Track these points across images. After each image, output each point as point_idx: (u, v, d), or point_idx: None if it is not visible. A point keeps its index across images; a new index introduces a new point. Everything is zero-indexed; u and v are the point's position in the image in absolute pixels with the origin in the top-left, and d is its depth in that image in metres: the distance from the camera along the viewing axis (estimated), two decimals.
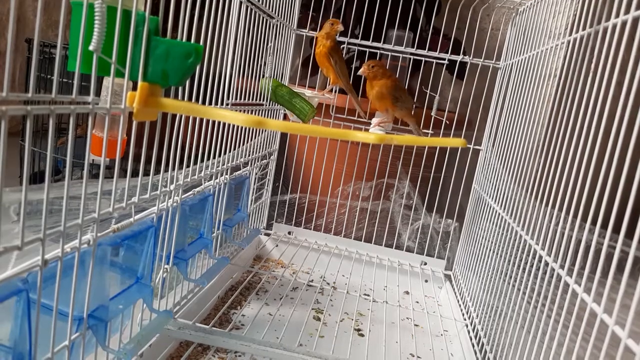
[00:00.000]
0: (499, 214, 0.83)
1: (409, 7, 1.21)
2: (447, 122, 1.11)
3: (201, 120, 0.67)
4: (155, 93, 0.41)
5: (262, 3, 0.87)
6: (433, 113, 1.12)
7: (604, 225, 0.43)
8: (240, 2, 0.76)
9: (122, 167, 1.01)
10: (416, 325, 0.92)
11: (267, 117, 1.01)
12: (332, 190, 1.23)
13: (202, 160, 0.69)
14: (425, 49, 1.12)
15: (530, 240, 0.66)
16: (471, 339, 0.83)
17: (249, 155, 0.95)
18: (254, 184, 1.05)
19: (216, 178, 0.77)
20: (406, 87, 1.15)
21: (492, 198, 0.90)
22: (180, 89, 0.57)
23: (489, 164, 1.01)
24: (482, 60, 1.10)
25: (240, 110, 0.82)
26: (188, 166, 0.63)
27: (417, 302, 1.04)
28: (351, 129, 1.03)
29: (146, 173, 0.51)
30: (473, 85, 1.13)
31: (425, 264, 1.17)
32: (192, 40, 0.56)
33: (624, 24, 0.47)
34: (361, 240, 1.20)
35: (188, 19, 0.53)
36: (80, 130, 1.13)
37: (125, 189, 0.48)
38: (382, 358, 0.76)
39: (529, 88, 0.80)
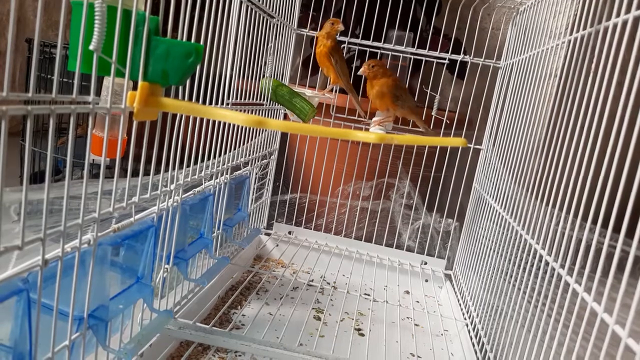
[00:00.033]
0: (500, 213, 0.83)
1: (410, 7, 1.21)
2: (448, 121, 1.11)
3: (201, 120, 0.67)
4: (156, 93, 0.41)
5: (263, 3, 0.87)
6: (434, 113, 1.12)
7: (605, 225, 0.43)
8: (241, 2, 0.76)
9: (122, 167, 1.01)
10: (416, 324, 0.92)
11: (268, 116, 1.01)
12: (333, 190, 1.23)
13: (202, 160, 0.69)
14: (425, 49, 1.12)
15: (530, 239, 0.65)
16: (471, 339, 0.83)
17: (249, 155, 0.95)
18: (254, 184, 1.05)
19: (216, 178, 0.77)
20: (407, 86, 1.15)
21: (493, 197, 0.90)
22: (180, 88, 0.57)
23: (489, 164, 1.01)
24: (482, 59, 1.10)
25: (240, 110, 0.82)
26: (188, 166, 0.63)
27: (418, 301, 1.04)
28: (351, 129, 1.03)
29: (146, 173, 0.51)
30: (473, 84, 1.13)
31: (426, 263, 1.17)
32: (193, 40, 0.56)
33: (624, 23, 0.47)
34: (361, 240, 1.20)
35: (188, 18, 0.53)
36: (80, 130, 1.13)
37: (126, 188, 0.48)
38: (382, 358, 0.76)
39: (530, 88, 0.80)
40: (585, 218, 0.48)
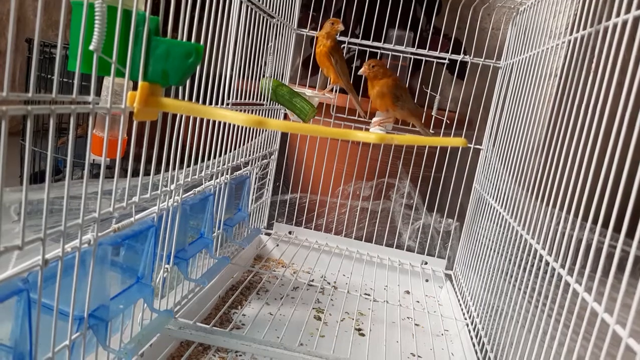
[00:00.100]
0: (500, 213, 0.83)
1: (410, 6, 1.21)
2: (448, 121, 1.11)
3: (202, 120, 0.67)
4: (156, 93, 0.41)
5: (263, 3, 0.87)
6: (434, 113, 1.12)
7: (605, 225, 0.43)
8: (241, 2, 0.76)
9: (122, 167, 1.01)
10: (417, 324, 0.92)
11: (268, 116, 1.01)
12: (333, 190, 1.23)
13: (202, 160, 0.69)
14: (425, 49, 1.12)
15: (530, 239, 0.65)
16: (472, 339, 0.83)
17: (249, 155, 0.95)
18: (255, 184, 1.05)
19: (217, 178, 0.77)
20: (407, 86, 1.15)
21: (493, 197, 0.90)
22: (180, 88, 0.57)
23: (489, 164, 1.01)
24: (482, 59, 1.10)
25: (240, 110, 0.82)
26: (188, 166, 0.63)
27: (418, 301, 1.04)
28: (352, 129, 1.03)
29: (147, 173, 0.51)
30: (473, 84, 1.13)
31: (426, 263, 1.17)
32: (193, 40, 0.56)
33: (624, 23, 0.47)
34: (362, 240, 1.20)
35: (188, 18, 0.53)
36: (80, 130, 1.13)
37: (126, 188, 0.48)
38: (382, 357, 0.76)
39: (530, 88, 0.80)
40: (585, 218, 0.48)
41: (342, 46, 1.12)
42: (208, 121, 0.70)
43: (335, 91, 1.13)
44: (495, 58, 1.09)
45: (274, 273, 1.03)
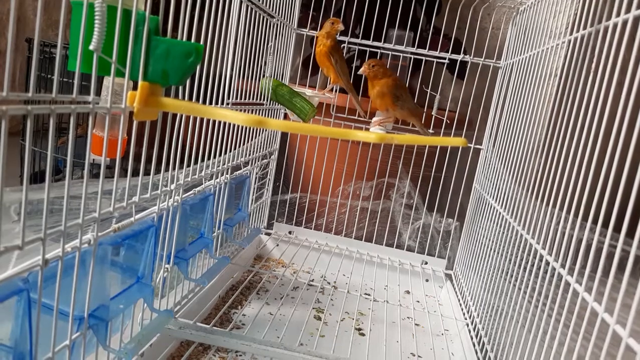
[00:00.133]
0: (500, 213, 0.83)
1: (410, 6, 1.21)
2: (448, 121, 1.11)
3: (202, 119, 0.67)
4: (156, 92, 0.41)
5: (263, 2, 0.87)
6: (434, 112, 1.12)
7: (605, 225, 0.43)
8: (241, 2, 0.76)
9: (122, 167, 1.01)
10: (417, 324, 0.92)
11: (268, 116, 1.01)
12: (333, 190, 1.23)
13: (202, 160, 0.69)
14: (425, 49, 1.12)
15: (531, 239, 0.65)
16: (472, 338, 0.83)
17: (249, 155, 0.95)
18: (255, 184, 1.05)
19: (217, 178, 0.77)
20: (407, 86, 1.15)
21: (493, 197, 0.90)
22: (180, 88, 0.57)
23: (489, 164, 1.01)
24: (482, 59, 1.10)
25: (240, 110, 0.82)
26: (188, 166, 0.63)
27: (418, 301, 1.04)
28: (352, 129, 1.03)
29: (147, 172, 0.51)
30: (473, 84, 1.13)
31: (426, 263, 1.17)
32: (193, 40, 0.56)
33: (624, 23, 0.47)
34: (362, 240, 1.20)
35: (188, 18, 0.53)
36: (80, 130, 1.13)
37: (126, 188, 0.48)
38: (382, 357, 0.76)
39: (530, 87, 0.80)
40: (585, 218, 0.48)
41: (342, 46, 1.12)
42: (208, 121, 0.70)
43: (335, 91, 1.14)
44: (495, 58, 1.09)
45: (274, 273, 1.03)
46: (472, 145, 1.11)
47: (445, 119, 1.10)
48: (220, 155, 0.76)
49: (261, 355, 0.69)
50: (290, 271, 1.09)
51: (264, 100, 0.96)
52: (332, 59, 1.02)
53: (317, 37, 1.04)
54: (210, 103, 0.68)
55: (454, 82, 1.23)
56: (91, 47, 0.38)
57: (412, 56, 1.17)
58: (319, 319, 0.87)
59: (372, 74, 1.00)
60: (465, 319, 0.91)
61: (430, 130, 1.14)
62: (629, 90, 0.41)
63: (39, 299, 0.37)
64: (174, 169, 0.59)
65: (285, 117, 1.13)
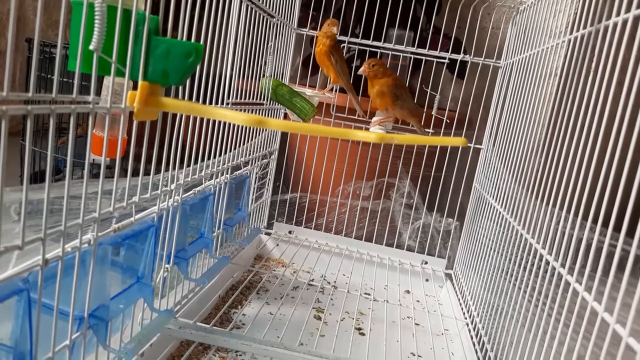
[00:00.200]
0: (500, 212, 0.83)
1: (410, 6, 1.21)
2: (448, 121, 1.11)
3: (202, 119, 0.67)
4: (156, 92, 0.41)
5: (263, 2, 0.87)
6: (434, 112, 1.12)
7: (605, 224, 0.43)
8: (241, 1, 0.76)
9: (122, 167, 1.01)
10: (417, 324, 0.92)
11: (268, 116, 1.01)
12: (333, 190, 1.23)
13: (202, 160, 0.69)
14: (425, 48, 1.12)
15: (531, 239, 0.65)
16: (472, 338, 0.83)
17: (249, 155, 0.95)
18: (255, 184, 1.05)
19: (217, 177, 0.77)
20: (407, 86, 1.15)
21: (493, 197, 0.90)
22: (180, 88, 0.57)
23: (489, 163, 1.01)
24: (482, 59, 1.10)
25: (240, 110, 0.82)
26: (188, 165, 0.63)
27: (418, 301, 1.04)
28: (352, 128, 1.03)
29: (147, 172, 0.51)
30: (473, 84, 1.13)
31: (426, 263, 1.17)
32: (193, 39, 0.56)
33: (624, 22, 0.47)
34: (362, 240, 1.20)
35: (188, 17, 0.53)
36: (80, 130, 1.13)
37: (126, 188, 0.48)
38: (382, 357, 0.76)
39: (530, 87, 0.80)
40: (585, 217, 0.48)
41: (342, 46, 1.12)
42: (208, 121, 0.70)
43: (335, 91, 1.13)
44: (495, 57, 1.09)
45: (274, 273, 1.03)
46: (472, 145, 1.11)
47: (445, 118, 1.10)
48: (220, 155, 0.76)
49: (261, 355, 0.69)
50: (290, 271, 1.09)
51: (264, 100, 0.96)
52: (332, 58, 1.02)
53: (317, 37, 1.04)
54: (210, 103, 0.68)
55: (454, 81, 1.23)
56: (91, 47, 0.38)
57: (412, 56, 1.17)
58: (319, 318, 0.87)
59: (372, 74, 1.00)
60: (465, 318, 0.91)
61: (430, 130, 1.14)
62: (629, 90, 0.41)
63: (39, 298, 0.37)
64: (174, 169, 0.59)
65: (285, 116, 1.13)
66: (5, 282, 0.35)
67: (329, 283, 1.05)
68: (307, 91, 1.02)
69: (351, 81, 1.09)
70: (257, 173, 1.05)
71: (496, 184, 0.89)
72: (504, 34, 1.10)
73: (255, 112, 0.92)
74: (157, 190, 0.55)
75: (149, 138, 0.51)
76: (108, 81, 0.46)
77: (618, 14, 0.49)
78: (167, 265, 0.62)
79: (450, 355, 0.82)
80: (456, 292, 1.04)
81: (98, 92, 0.44)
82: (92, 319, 0.45)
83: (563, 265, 0.52)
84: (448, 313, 0.95)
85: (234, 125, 0.80)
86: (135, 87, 0.41)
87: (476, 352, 0.78)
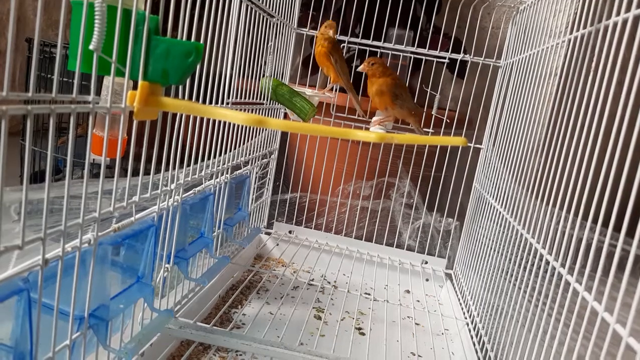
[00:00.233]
0: (500, 212, 0.83)
1: (409, 6, 1.21)
2: (448, 121, 1.11)
3: (202, 119, 0.67)
4: (156, 92, 0.41)
5: (263, 2, 0.87)
6: (434, 112, 1.12)
7: (605, 224, 0.43)
8: (241, 1, 0.75)
9: (122, 167, 1.01)
10: (417, 324, 0.92)
11: (268, 116, 1.01)
12: (333, 189, 1.23)
13: (202, 160, 0.69)
14: (425, 48, 1.12)
15: (531, 238, 0.65)
16: (472, 338, 0.83)
17: (249, 155, 0.95)
18: (255, 183, 1.05)
19: (217, 177, 0.77)
20: (407, 85, 1.15)
21: (493, 197, 0.90)
22: (180, 88, 0.57)
23: (489, 163, 1.01)
24: (482, 59, 1.10)
25: (240, 109, 0.82)
26: (188, 165, 0.63)
27: (418, 300, 1.04)
28: (352, 128, 1.03)
29: (147, 172, 0.51)
30: (473, 84, 1.13)
31: (426, 262, 1.17)
32: (193, 39, 0.56)
33: (624, 22, 0.47)
34: (362, 239, 1.20)
35: (188, 17, 0.53)
36: (80, 130, 1.13)
37: (126, 188, 0.48)
38: (383, 357, 0.76)
39: (530, 87, 0.80)
40: (585, 217, 0.48)
41: (341, 46, 1.12)
42: (208, 120, 0.70)
43: (335, 90, 1.13)
44: (495, 57, 1.09)
45: (274, 272, 1.03)
46: (472, 145, 1.11)
47: (445, 118, 1.10)
48: (220, 154, 0.76)
49: (261, 355, 0.69)
50: (291, 271, 1.09)
51: (264, 99, 0.96)
52: (331, 58, 1.02)
53: (316, 37, 1.04)
54: (210, 102, 0.68)
55: (454, 81, 1.23)
56: (91, 47, 0.38)
57: (412, 55, 1.17)
58: (319, 318, 0.87)
59: (372, 72, 1.00)
60: (465, 318, 0.91)
61: (430, 130, 1.14)
62: (629, 90, 0.41)
63: (39, 298, 0.37)
64: (174, 168, 0.59)
65: (285, 116, 1.13)
66: (6, 282, 0.35)
67: (329, 283, 1.05)
68: (307, 91, 1.02)
69: (351, 81, 1.09)
70: (257, 173, 1.05)
71: (496, 184, 0.89)
72: (504, 33, 1.10)
73: (255, 112, 0.92)
74: (157, 190, 0.55)
75: (149, 138, 0.51)
76: (108, 81, 0.46)
77: (618, 14, 0.49)
78: (167, 265, 0.62)
79: (451, 355, 0.82)
80: (456, 291, 1.04)
81: (98, 92, 0.45)
82: (92, 319, 0.45)
83: (563, 265, 0.52)
84: (448, 313, 0.95)
85: (234, 125, 0.80)
86: (135, 87, 0.41)
87: (476, 352, 0.78)
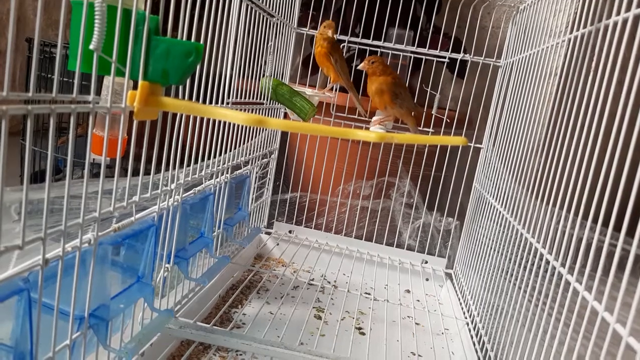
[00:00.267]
0: (500, 212, 0.83)
1: (410, 5, 1.21)
2: (448, 120, 1.11)
3: (202, 119, 0.67)
4: (156, 92, 0.41)
5: (263, 2, 0.87)
6: (434, 111, 1.12)
7: (605, 224, 0.43)
8: (241, 1, 0.75)
9: (122, 166, 1.01)
10: (417, 323, 0.92)
11: (268, 116, 1.01)
12: (333, 189, 1.23)
13: (202, 159, 0.69)
14: (425, 48, 1.12)
15: (531, 238, 0.65)
16: (472, 337, 0.83)
17: (249, 154, 0.95)
18: (255, 183, 1.05)
19: (217, 177, 0.77)
20: (407, 85, 1.15)
21: (493, 196, 0.90)
22: (180, 87, 0.57)
23: (489, 163, 1.01)
24: (482, 58, 1.10)
25: (240, 109, 0.82)
26: (189, 165, 0.63)
27: (418, 300, 1.04)
28: (352, 128, 1.03)
29: (147, 172, 0.51)
30: (474, 83, 1.13)
31: (426, 262, 1.17)
32: (193, 39, 0.56)
33: (624, 22, 0.47)
34: (362, 239, 1.20)
35: (188, 17, 0.53)
36: (80, 130, 1.13)
37: (126, 188, 0.48)
38: (383, 356, 0.76)
39: (530, 86, 0.80)
40: (585, 217, 0.48)
41: (341, 45, 1.12)
42: (208, 120, 0.70)
43: (336, 90, 1.13)
44: (495, 57, 1.09)
45: (274, 272, 1.03)
46: (472, 145, 1.11)
47: (445, 118, 1.10)
48: (220, 154, 0.76)
49: (261, 355, 0.69)
50: (291, 270, 1.09)
51: (264, 99, 0.96)
52: (331, 58, 1.02)
53: (316, 38, 1.04)
54: (210, 102, 0.68)
55: (454, 81, 1.23)
56: (91, 47, 0.38)
57: (412, 55, 1.17)
58: (319, 318, 0.87)
59: (372, 70, 1.00)
60: (465, 318, 0.91)
61: (431, 129, 1.14)
62: (629, 89, 0.41)
63: (39, 298, 0.37)
64: (174, 168, 0.59)
65: (285, 116, 1.12)
66: (6, 282, 0.35)
67: (329, 282, 1.05)
68: (307, 90, 1.02)
69: (351, 80, 1.08)
70: (257, 172, 1.05)
71: (496, 184, 0.89)
72: (504, 33, 1.09)
73: (255, 112, 0.92)
74: (157, 189, 0.55)
75: (149, 138, 0.51)
76: (108, 81, 0.46)
77: (618, 13, 0.49)
78: (167, 265, 0.62)
79: (451, 355, 0.82)
80: (456, 291, 1.04)
81: (98, 92, 0.45)
82: (92, 319, 0.45)
83: (563, 265, 0.52)
84: (448, 312, 0.95)
85: (234, 125, 0.80)
86: (135, 87, 0.41)
87: (476, 352, 0.78)
